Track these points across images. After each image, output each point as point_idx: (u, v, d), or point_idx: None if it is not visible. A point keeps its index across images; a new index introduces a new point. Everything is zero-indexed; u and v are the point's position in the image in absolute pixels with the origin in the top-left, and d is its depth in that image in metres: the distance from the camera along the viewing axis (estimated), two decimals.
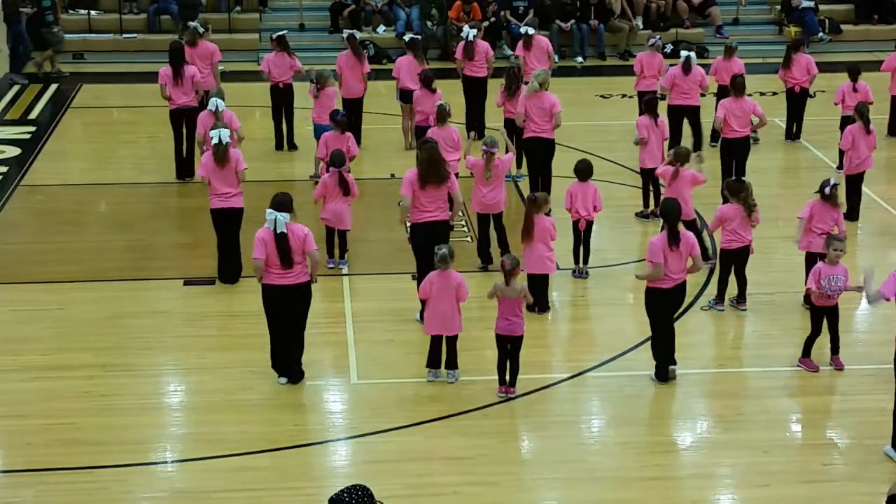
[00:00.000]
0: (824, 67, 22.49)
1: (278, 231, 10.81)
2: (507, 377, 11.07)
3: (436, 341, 11.31)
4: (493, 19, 24.15)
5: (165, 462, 10.21)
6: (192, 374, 11.64)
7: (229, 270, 13.50)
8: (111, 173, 17.40)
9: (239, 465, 10.02)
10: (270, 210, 10.86)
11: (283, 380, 11.27)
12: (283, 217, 10.82)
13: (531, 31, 18.58)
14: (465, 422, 10.71)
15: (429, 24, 24.38)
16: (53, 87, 22.19)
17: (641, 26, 24.83)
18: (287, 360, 11.26)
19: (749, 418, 10.84)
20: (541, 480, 9.94)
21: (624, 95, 20.91)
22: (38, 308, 12.95)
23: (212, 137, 13.09)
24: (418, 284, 11.86)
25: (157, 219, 15.58)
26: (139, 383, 11.40)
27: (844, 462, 10.22)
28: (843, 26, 25.22)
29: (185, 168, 16.79)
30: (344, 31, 19.40)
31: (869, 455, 10.19)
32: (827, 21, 25.06)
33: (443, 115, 14.68)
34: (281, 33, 18.07)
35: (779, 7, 25.61)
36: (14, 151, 18.32)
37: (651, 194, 15.39)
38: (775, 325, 12.61)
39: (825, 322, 11.54)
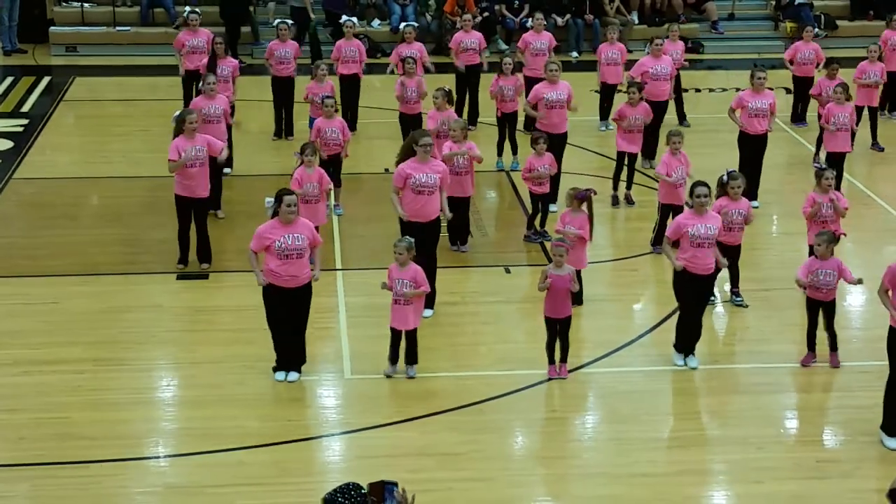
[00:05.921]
0: None
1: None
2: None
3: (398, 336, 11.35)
4: (486, 14, 24.09)
5: (158, 457, 10.17)
6: (184, 369, 11.61)
7: None
8: (104, 166, 17.35)
9: (232, 459, 9.99)
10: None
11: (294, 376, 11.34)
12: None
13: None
14: (459, 417, 10.69)
15: (426, 17, 24.30)
16: (46, 79, 22.13)
17: (637, 21, 24.81)
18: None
19: (743, 414, 10.83)
20: (534, 476, 9.93)
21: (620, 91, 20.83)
22: (30, 302, 12.90)
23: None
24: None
25: (150, 213, 15.50)
26: (132, 377, 11.38)
27: (839, 459, 10.20)
28: (838, 22, 25.22)
29: None
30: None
31: (863, 452, 10.18)
32: (822, 17, 25.07)
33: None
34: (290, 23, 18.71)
35: (774, 3, 25.63)
36: (6, 144, 18.25)
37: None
38: (770, 321, 12.59)
39: (821, 317, 11.52)
